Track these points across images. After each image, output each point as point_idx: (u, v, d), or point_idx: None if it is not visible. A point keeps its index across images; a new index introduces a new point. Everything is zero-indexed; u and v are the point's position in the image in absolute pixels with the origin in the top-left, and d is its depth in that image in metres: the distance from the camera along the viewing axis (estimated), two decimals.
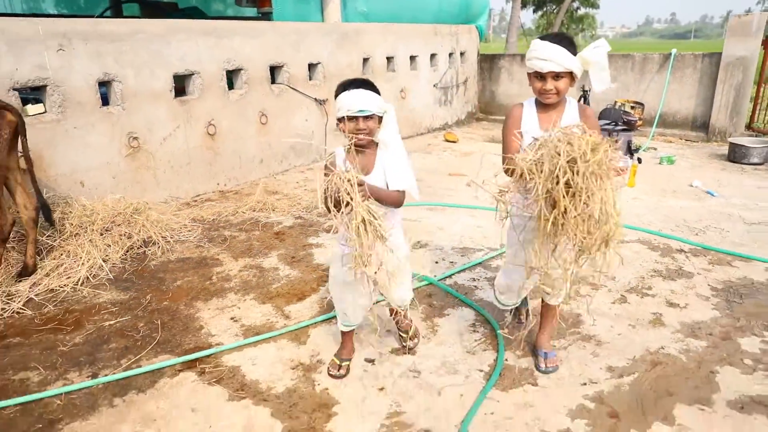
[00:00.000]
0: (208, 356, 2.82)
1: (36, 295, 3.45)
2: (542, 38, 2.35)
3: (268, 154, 6.21)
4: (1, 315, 3.24)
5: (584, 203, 1.94)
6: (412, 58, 8.17)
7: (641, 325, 3.06)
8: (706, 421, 2.30)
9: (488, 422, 2.32)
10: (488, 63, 9.85)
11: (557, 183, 1.94)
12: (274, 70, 6.14)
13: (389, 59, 7.76)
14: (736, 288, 3.46)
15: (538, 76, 2.37)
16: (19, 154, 3.60)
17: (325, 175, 2.19)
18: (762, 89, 7.51)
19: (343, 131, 2.30)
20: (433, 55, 8.58)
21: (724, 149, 7.03)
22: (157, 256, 4.07)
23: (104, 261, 3.83)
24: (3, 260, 3.55)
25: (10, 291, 3.46)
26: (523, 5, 30.36)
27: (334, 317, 2.98)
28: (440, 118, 9.06)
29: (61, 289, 3.54)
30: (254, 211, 5.03)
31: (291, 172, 6.47)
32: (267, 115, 6.07)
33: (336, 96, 2.34)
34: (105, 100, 4.72)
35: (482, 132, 9.04)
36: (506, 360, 2.73)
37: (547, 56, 2.28)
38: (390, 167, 2.36)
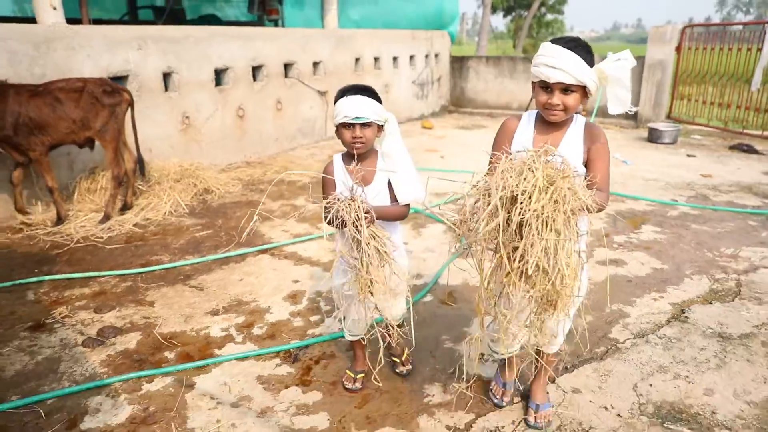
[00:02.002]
0: (274, 247, 4.34)
1: (140, 220, 4.92)
2: (554, 41, 1.96)
3: (282, 134, 7.72)
4: (121, 231, 4.71)
5: (520, 255, 1.65)
6: (395, 58, 9.76)
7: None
8: None
9: (454, 271, 3.89)
10: (458, 63, 11.50)
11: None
12: (287, 66, 7.65)
13: (376, 59, 9.33)
14: (622, 214, 5.12)
15: (544, 86, 1.99)
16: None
17: (324, 184, 2.27)
18: (677, 86, 9.31)
19: (342, 139, 2.23)
20: (411, 56, 10.18)
21: (646, 133, 8.77)
22: (215, 200, 5.56)
23: (180, 200, 5.31)
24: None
25: (118, 219, 4.91)
26: (494, 10, 32.17)
27: None
28: (418, 109, 10.66)
29: (154, 218, 5.00)
30: (278, 173, 6.54)
31: (298, 149, 7.98)
32: (281, 103, 7.57)
33: (335, 102, 2.23)
34: (166, 87, 6.17)
35: (453, 122, 10.67)
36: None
37: (558, 64, 1.90)
38: (396, 180, 2.27)
